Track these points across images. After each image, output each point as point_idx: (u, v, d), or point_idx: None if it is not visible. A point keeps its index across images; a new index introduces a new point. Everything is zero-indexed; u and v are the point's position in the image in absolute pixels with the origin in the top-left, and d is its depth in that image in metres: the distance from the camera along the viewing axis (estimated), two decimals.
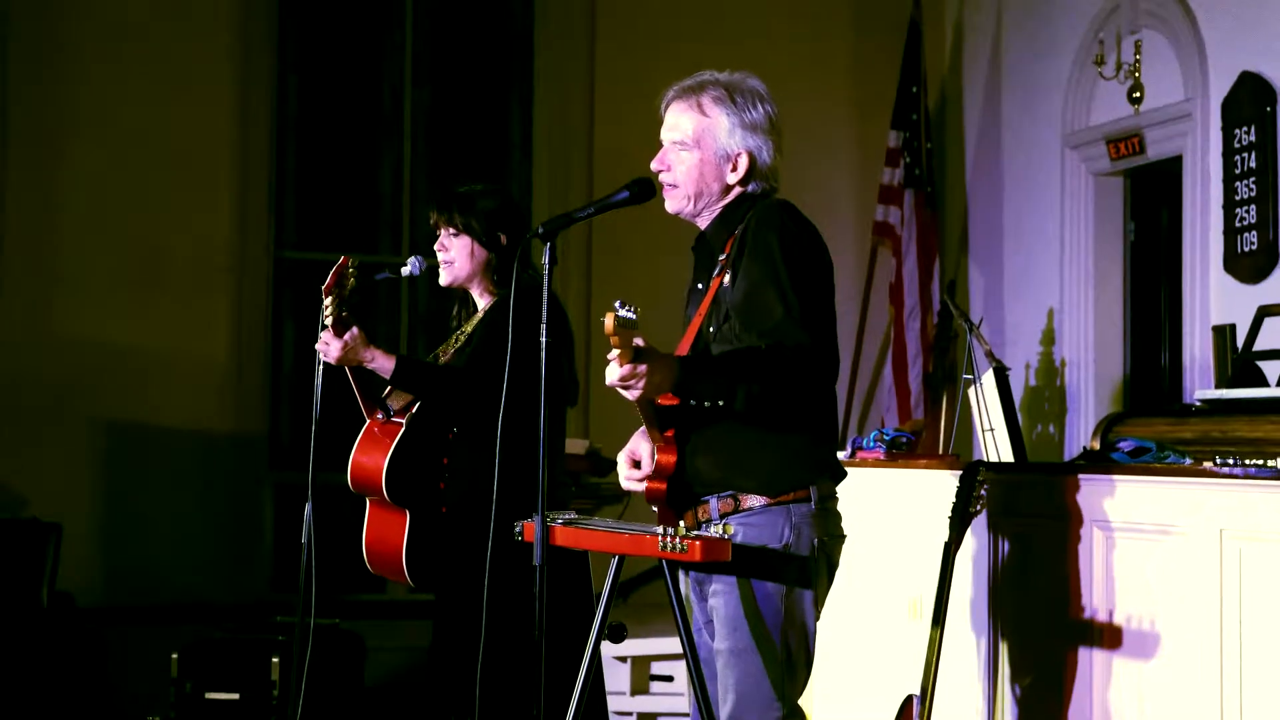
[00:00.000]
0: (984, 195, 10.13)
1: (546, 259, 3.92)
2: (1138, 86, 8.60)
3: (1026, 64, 9.72)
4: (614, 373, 3.60)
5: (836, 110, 10.41)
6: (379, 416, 5.15)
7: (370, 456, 5.06)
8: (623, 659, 7.76)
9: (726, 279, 3.95)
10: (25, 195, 8.90)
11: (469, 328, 5.24)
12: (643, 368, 3.59)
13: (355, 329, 4.93)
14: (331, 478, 5.29)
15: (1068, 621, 5.11)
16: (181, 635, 7.82)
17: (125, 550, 8.94)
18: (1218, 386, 6.37)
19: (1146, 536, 4.85)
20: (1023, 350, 9.47)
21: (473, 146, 10.09)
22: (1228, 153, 7.90)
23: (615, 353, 3.57)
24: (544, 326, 3.85)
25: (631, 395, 3.68)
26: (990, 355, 6.69)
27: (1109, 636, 4.96)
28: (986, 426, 6.30)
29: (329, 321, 4.92)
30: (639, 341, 3.58)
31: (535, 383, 3.88)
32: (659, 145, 4.14)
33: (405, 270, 5.28)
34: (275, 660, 7.43)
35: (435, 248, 5.24)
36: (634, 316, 3.53)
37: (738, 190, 4.07)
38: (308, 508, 4.98)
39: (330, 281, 4.90)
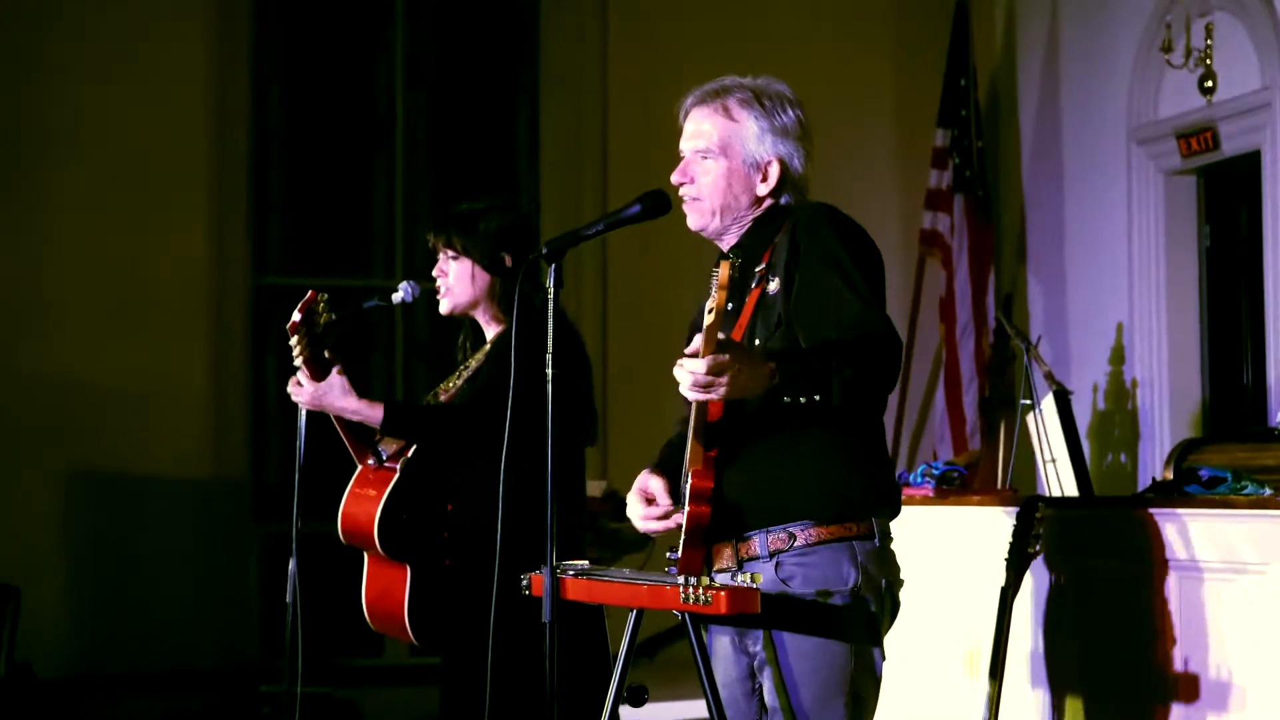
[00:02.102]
0: (1042, 198, 10.15)
1: (552, 281, 3.95)
2: (1209, 75, 8.61)
3: (1086, 52, 9.75)
4: (699, 366, 3.50)
5: (877, 106, 10.44)
6: (371, 462, 5.14)
7: (361, 507, 5.02)
8: None
9: (771, 286, 3.93)
10: None
11: (474, 361, 5.23)
12: (725, 359, 3.51)
13: (336, 374, 4.91)
14: (322, 527, 5.31)
15: (1138, 671, 5.13)
16: (157, 708, 7.85)
17: (94, 613, 8.95)
18: None
19: (1223, 576, 4.86)
20: (1089, 370, 9.48)
21: (474, 156, 10.13)
22: None
23: (697, 342, 3.52)
24: (549, 357, 3.89)
25: (716, 396, 3.58)
26: (1050, 377, 6.71)
27: (1185, 687, 4.97)
28: (1048, 457, 6.32)
29: (299, 363, 4.90)
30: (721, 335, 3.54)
31: (546, 419, 3.90)
32: (678, 156, 4.15)
33: (396, 297, 5.25)
34: None
35: (433, 272, 5.23)
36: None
37: (769, 203, 4.08)
38: (292, 563, 5.00)
39: (296, 319, 4.86)
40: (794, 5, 10.29)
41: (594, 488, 7.91)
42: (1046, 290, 10.06)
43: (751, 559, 3.90)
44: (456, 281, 5.16)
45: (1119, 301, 9.35)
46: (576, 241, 4.06)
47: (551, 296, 3.94)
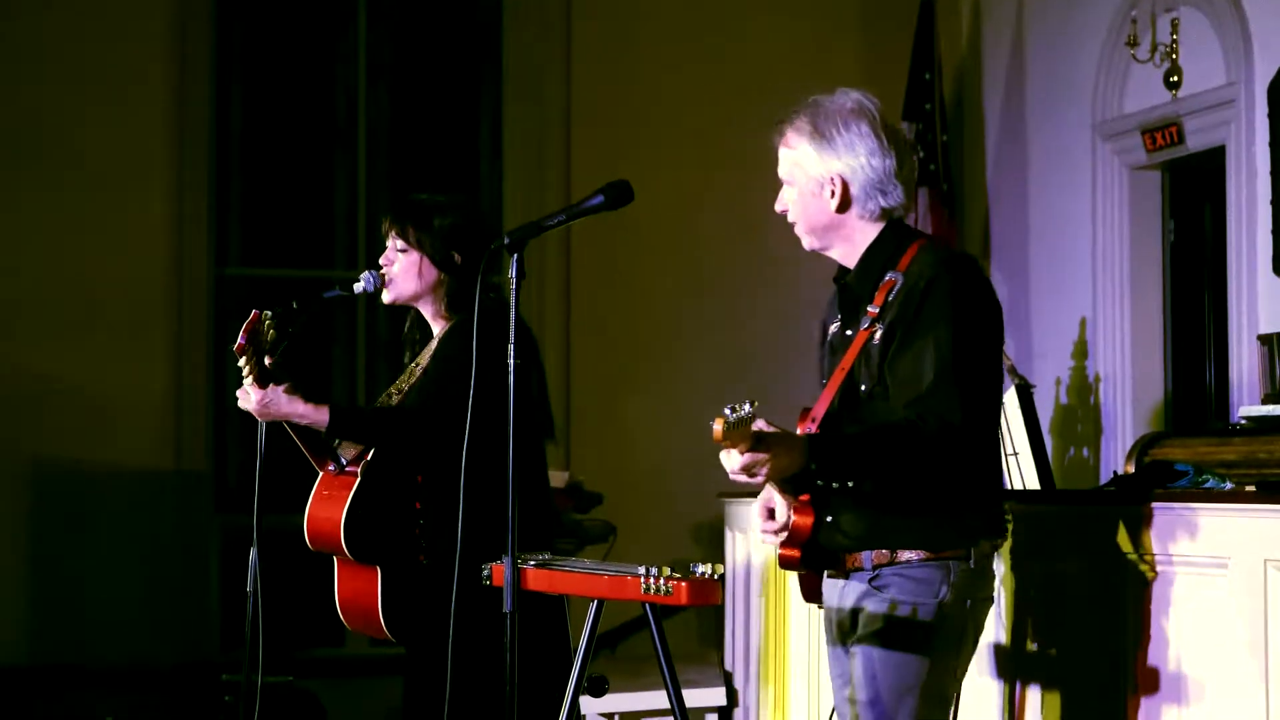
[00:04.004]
0: (1007, 193, 10.19)
1: (514, 272, 3.99)
2: (1175, 70, 8.66)
3: (1053, 46, 9.79)
4: (734, 461, 3.75)
5: None
6: (331, 469, 5.14)
7: (326, 514, 5.02)
8: (608, 716, 7.80)
9: (878, 334, 4.06)
10: None
11: (423, 359, 5.24)
12: (764, 455, 3.74)
13: (278, 384, 4.91)
14: (283, 520, 5.32)
15: (1097, 663, 5.16)
16: (118, 699, 7.85)
17: (54, 606, 8.93)
18: (1264, 402, 6.43)
19: (1183, 570, 4.89)
20: (1052, 365, 9.52)
21: (436, 153, 10.12)
22: (1276, 142, 7.95)
23: (718, 429, 3.68)
24: (511, 348, 3.92)
25: (757, 482, 3.84)
26: (1012, 371, 6.74)
27: (1145, 681, 5.00)
28: (1010, 450, 6.36)
29: (248, 382, 4.92)
30: (761, 424, 3.72)
31: (504, 412, 3.93)
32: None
33: (358, 286, 5.24)
34: None
35: (381, 259, 5.23)
36: (749, 412, 3.64)
37: (860, 217, 4.19)
38: (253, 553, 5.01)
39: (242, 340, 4.88)
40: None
41: (557, 479, 7.93)
42: (1010, 284, 10.08)
43: (857, 570, 4.13)
44: (402, 273, 5.17)
45: (1083, 296, 9.39)
46: (538, 232, 4.12)
47: (515, 286, 3.97)
